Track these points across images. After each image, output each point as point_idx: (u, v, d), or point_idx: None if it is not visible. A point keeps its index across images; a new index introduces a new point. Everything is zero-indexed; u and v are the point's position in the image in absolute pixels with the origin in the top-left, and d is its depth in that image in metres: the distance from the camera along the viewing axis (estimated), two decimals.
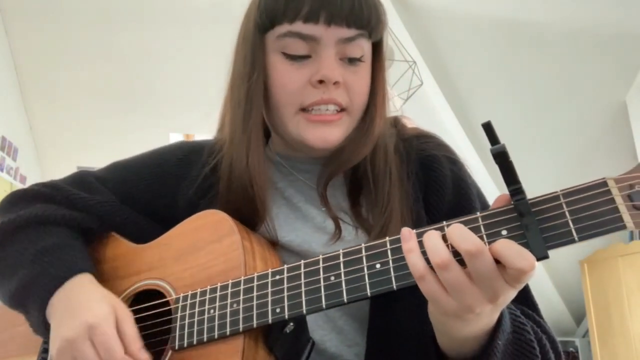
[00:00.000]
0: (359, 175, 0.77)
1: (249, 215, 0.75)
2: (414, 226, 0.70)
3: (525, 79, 3.26)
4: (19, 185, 3.10)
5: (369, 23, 0.71)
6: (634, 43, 2.95)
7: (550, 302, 3.98)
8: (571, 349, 4.22)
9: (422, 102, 3.28)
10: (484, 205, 0.79)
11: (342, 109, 0.73)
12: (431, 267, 0.52)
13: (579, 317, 4.29)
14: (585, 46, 3.00)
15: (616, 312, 3.50)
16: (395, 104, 2.72)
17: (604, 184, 0.50)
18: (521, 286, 0.52)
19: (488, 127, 0.51)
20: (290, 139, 0.76)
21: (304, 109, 0.72)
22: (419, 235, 0.55)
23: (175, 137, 3.57)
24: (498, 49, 3.16)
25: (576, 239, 0.49)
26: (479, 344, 0.58)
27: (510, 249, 0.49)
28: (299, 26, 0.69)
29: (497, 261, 0.50)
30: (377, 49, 0.77)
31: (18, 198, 0.84)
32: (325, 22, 0.68)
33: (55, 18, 2.99)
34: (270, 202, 0.76)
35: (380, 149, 0.76)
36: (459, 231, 0.51)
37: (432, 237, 0.53)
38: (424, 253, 0.53)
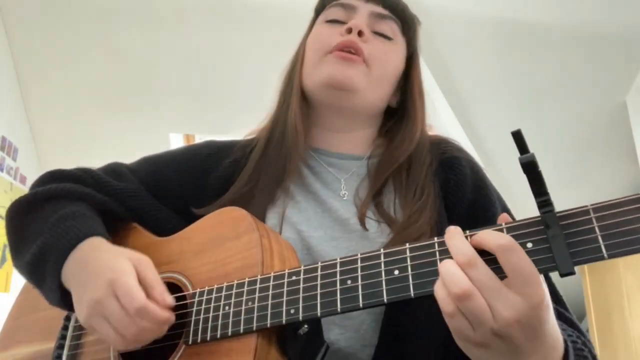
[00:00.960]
0: (398, 174, 0.80)
1: (285, 159, 0.81)
2: (437, 222, 0.72)
3: (525, 79, 3.25)
4: (19, 185, 3.10)
5: (403, 12, 0.86)
6: (634, 43, 2.94)
7: None
8: None
9: None
10: (505, 211, 0.80)
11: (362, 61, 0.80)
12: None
13: (579, 317, 4.29)
14: (585, 46, 3.00)
15: (616, 312, 3.50)
16: None
17: (638, 200, 0.48)
18: (532, 291, 0.49)
19: (518, 136, 0.49)
20: (318, 83, 0.82)
21: (329, 52, 0.81)
22: (440, 244, 0.54)
23: (175, 137, 3.56)
24: (498, 49, 3.16)
25: (605, 256, 0.47)
26: None
27: (484, 232, 0.51)
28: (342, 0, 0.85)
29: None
30: (412, 59, 0.89)
31: (51, 176, 0.87)
32: None
33: (56, 18, 2.99)
34: (303, 152, 0.82)
35: (421, 144, 0.82)
36: (453, 243, 0.51)
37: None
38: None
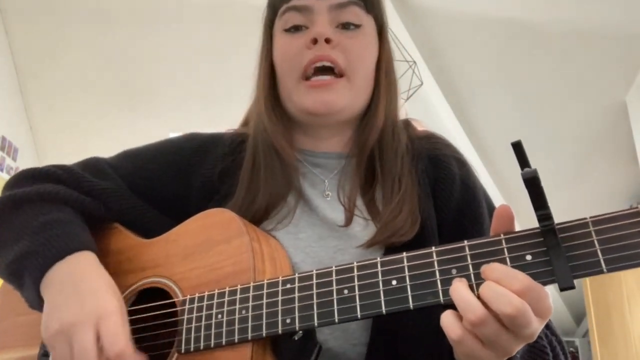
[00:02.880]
0: (373, 165, 0.78)
1: (282, 176, 0.77)
2: (423, 219, 0.71)
3: (525, 79, 3.25)
4: None
5: None
6: (634, 43, 2.94)
7: None
8: (571, 349, 4.22)
9: (422, 102, 3.28)
10: (491, 209, 0.80)
11: (340, 75, 0.75)
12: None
13: (579, 317, 4.29)
14: (585, 46, 3.00)
15: (616, 312, 3.50)
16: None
17: (637, 213, 0.47)
18: (548, 315, 0.50)
19: (518, 148, 0.48)
20: (299, 112, 0.78)
21: (305, 78, 0.75)
22: (438, 254, 0.54)
23: None
24: (498, 49, 3.15)
25: (605, 270, 0.47)
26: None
27: (493, 293, 0.48)
28: (294, 1, 0.77)
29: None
30: (380, 32, 0.82)
31: (30, 175, 0.83)
32: None
33: (56, 18, 2.99)
34: (297, 164, 0.80)
35: (388, 134, 0.79)
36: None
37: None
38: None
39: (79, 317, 0.62)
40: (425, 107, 3.41)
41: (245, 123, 0.89)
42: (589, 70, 3.11)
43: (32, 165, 0.87)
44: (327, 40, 0.74)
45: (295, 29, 0.77)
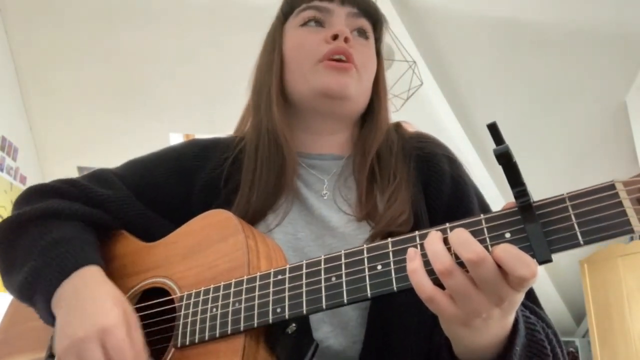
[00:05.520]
0: (372, 166, 0.81)
1: (278, 173, 0.79)
2: (415, 216, 0.73)
3: (526, 79, 3.26)
4: (19, 185, 3.10)
5: (376, 12, 0.87)
6: (634, 43, 2.95)
7: (550, 302, 3.98)
8: (571, 349, 4.22)
9: (422, 102, 3.28)
10: (482, 205, 0.81)
11: (355, 68, 0.80)
12: (437, 284, 0.51)
13: (579, 317, 4.30)
14: (585, 46, 3.01)
15: (616, 312, 3.51)
16: (395, 104, 2.72)
17: (611, 186, 0.48)
18: (526, 290, 0.51)
19: (493, 128, 0.49)
20: (313, 93, 0.80)
21: (321, 61, 0.79)
22: (422, 237, 0.54)
23: (175, 137, 3.56)
24: (498, 49, 3.16)
25: (581, 242, 0.48)
26: (496, 351, 0.58)
27: (511, 255, 0.48)
28: (316, 2, 0.83)
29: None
30: (379, 56, 0.88)
31: (35, 192, 0.84)
32: (339, 2, 0.83)
33: (55, 18, 2.99)
34: (296, 155, 0.81)
35: (387, 135, 0.84)
36: (460, 238, 0.50)
37: (433, 242, 0.51)
38: (427, 263, 0.51)
39: (84, 332, 0.63)
40: (425, 107, 3.41)
41: (242, 125, 0.90)
42: (589, 70, 3.12)
43: (32, 166, 0.89)
44: (346, 40, 0.79)
45: (315, 22, 0.82)
